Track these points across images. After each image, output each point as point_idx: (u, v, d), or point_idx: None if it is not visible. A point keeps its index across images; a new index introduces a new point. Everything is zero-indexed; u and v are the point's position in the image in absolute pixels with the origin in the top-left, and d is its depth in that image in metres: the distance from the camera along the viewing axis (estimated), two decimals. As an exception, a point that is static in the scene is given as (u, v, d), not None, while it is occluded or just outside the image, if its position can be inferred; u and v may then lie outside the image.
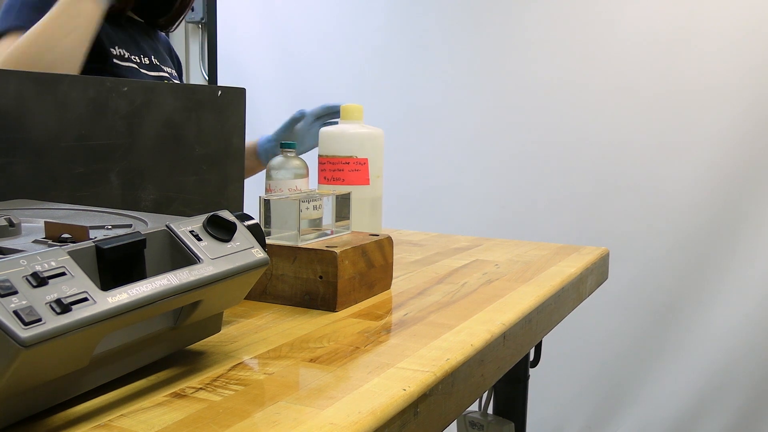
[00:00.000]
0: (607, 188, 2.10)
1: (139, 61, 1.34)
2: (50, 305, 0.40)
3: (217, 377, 0.55)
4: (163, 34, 1.54)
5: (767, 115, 1.92)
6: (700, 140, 1.99)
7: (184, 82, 2.83)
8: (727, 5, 1.94)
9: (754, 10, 1.91)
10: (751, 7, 1.91)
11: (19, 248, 0.46)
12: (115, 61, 1.27)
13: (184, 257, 0.52)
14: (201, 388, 0.53)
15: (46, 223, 0.50)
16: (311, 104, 2.59)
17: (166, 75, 1.42)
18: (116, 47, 1.29)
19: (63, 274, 0.43)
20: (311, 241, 0.80)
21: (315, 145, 1.34)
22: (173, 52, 1.56)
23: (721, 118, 1.96)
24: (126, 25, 1.37)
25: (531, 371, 1.31)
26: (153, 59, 1.39)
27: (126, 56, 1.31)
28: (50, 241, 0.48)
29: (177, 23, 1.51)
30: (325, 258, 0.76)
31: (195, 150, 0.82)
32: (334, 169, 1.12)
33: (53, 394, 0.47)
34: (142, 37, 1.40)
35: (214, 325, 0.60)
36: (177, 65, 1.55)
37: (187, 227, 0.53)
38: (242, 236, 0.56)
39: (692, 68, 1.99)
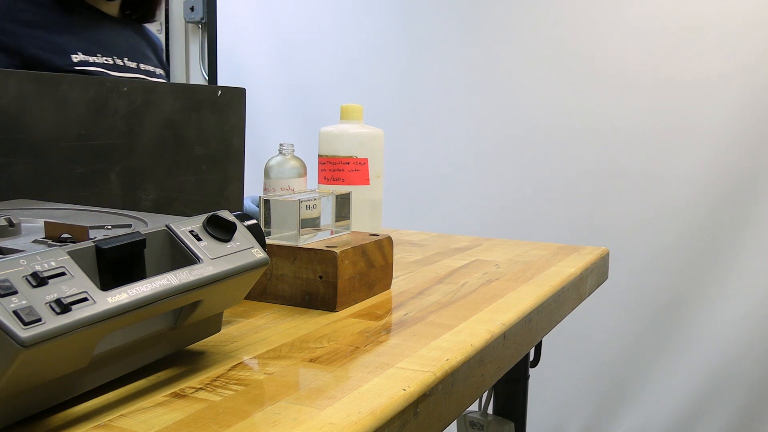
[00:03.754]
0: (607, 188, 2.10)
1: (111, 63, 1.26)
2: (50, 305, 0.40)
3: (217, 377, 0.55)
4: (152, 31, 1.44)
5: (767, 113, 1.92)
6: (700, 140, 1.99)
7: (184, 81, 2.83)
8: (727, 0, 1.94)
9: (755, 5, 1.90)
10: (751, 1, 1.91)
11: (19, 248, 0.46)
12: (77, 69, 1.19)
13: (184, 257, 0.52)
14: (201, 388, 0.53)
15: (46, 223, 0.50)
16: (311, 104, 2.58)
17: (141, 77, 1.32)
18: (78, 53, 1.20)
19: (63, 274, 0.43)
20: (311, 241, 0.80)
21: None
22: (158, 46, 1.45)
23: (721, 118, 1.96)
24: (92, 24, 1.27)
25: (531, 371, 1.31)
26: (126, 60, 1.29)
27: (90, 61, 1.22)
28: (50, 241, 0.48)
29: (155, 13, 1.40)
30: (325, 258, 0.76)
31: (195, 150, 0.82)
32: (334, 169, 1.12)
33: (53, 394, 0.47)
34: (112, 36, 1.30)
35: (214, 325, 0.60)
36: (159, 59, 1.44)
37: (187, 227, 0.53)
38: (242, 236, 0.56)
39: (691, 67, 1.98)
